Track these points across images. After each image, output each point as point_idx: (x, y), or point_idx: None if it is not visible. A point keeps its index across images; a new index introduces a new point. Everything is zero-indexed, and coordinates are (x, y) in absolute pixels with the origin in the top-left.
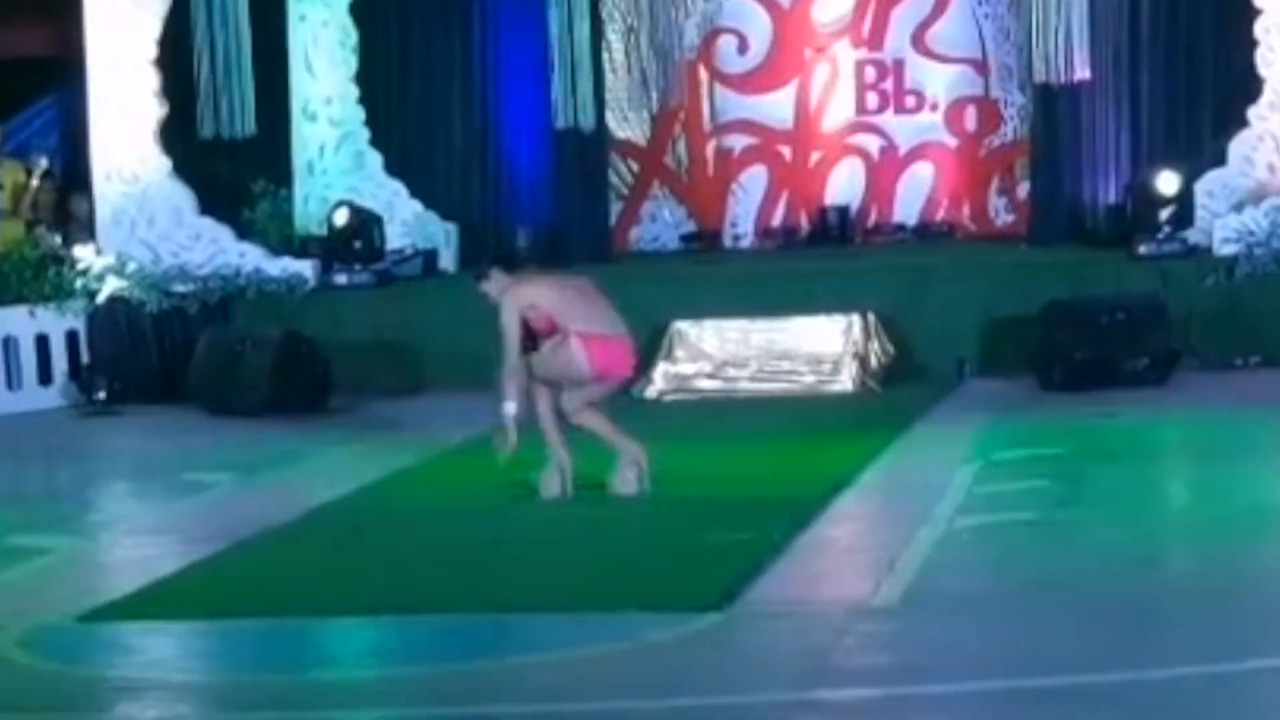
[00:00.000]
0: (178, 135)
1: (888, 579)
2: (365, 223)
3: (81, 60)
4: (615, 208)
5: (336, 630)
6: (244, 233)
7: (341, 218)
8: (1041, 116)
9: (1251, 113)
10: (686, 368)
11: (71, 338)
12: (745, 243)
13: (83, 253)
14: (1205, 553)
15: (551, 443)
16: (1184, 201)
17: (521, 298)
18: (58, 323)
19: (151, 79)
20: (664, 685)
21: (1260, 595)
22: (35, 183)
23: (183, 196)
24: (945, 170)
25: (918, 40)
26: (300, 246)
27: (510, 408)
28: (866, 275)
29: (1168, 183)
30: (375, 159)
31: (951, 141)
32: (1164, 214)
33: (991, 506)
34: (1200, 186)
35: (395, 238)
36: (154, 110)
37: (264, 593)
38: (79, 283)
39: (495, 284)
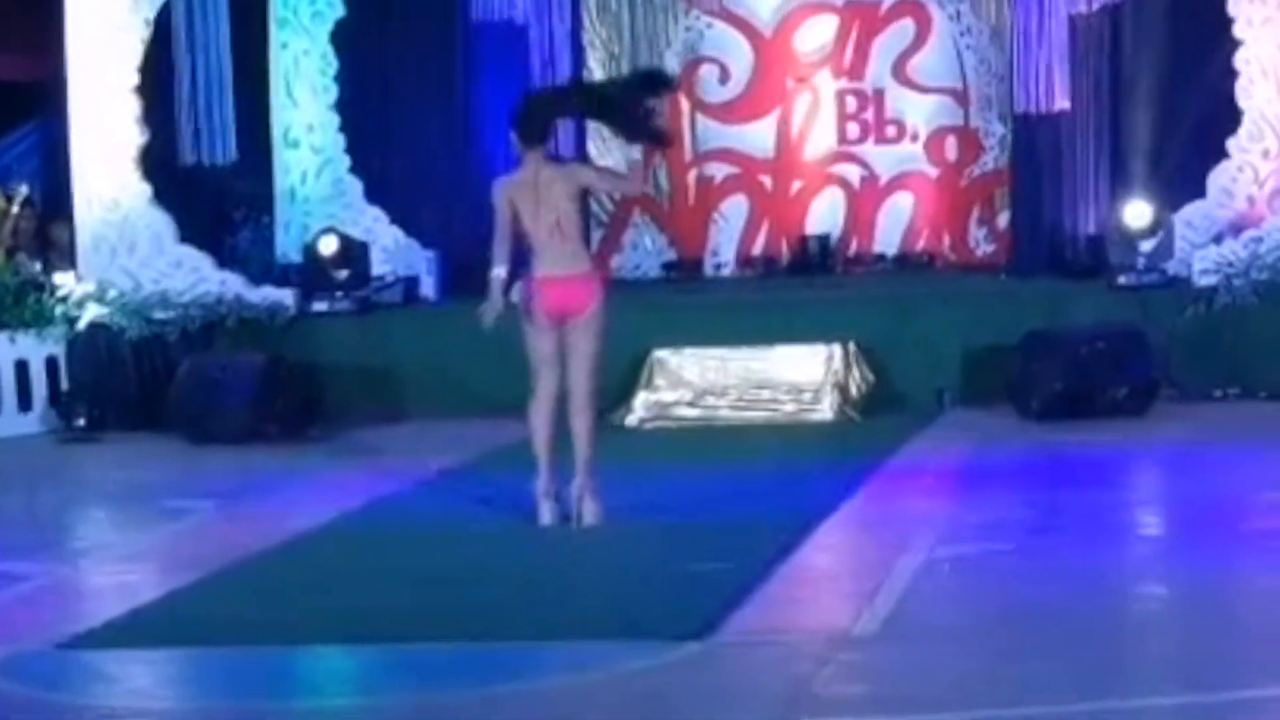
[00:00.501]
0: (159, 162)
1: (868, 608)
2: (352, 251)
3: (62, 86)
4: (596, 235)
5: (317, 658)
6: (225, 260)
7: (329, 246)
8: (1022, 147)
9: (1231, 144)
10: (667, 396)
11: (51, 364)
12: (726, 271)
13: (63, 279)
14: (1183, 583)
15: (540, 463)
16: (1162, 232)
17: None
18: (38, 349)
19: (133, 106)
20: (643, 714)
21: (1238, 626)
22: (15, 210)
23: (163, 223)
24: (925, 200)
25: (899, 70)
26: (281, 274)
27: (498, 271)
28: (847, 304)
29: (1137, 215)
30: (356, 186)
31: (932, 171)
32: (1144, 246)
33: (971, 536)
34: (1179, 217)
35: (376, 265)
36: (135, 137)
37: (244, 621)
38: (59, 309)
39: None
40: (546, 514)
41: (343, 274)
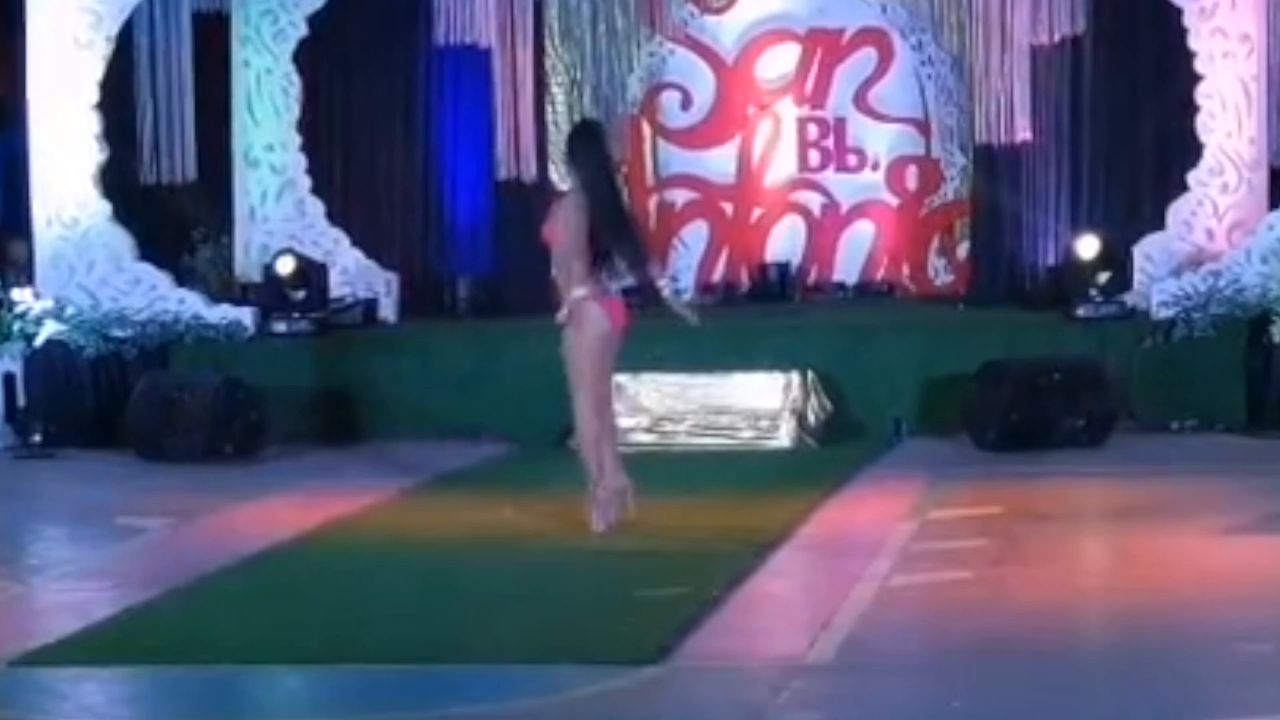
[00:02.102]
0: (118, 180)
1: (823, 636)
2: (312, 272)
3: (23, 102)
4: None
5: (269, 679)
6: (183, 279)
7: (288, 266)
8: (982, 177)
9: (1191, 177)
10: (624, 421)
11: (8, 380)
12: (685, 297)
13: (21, 296)
14: (1138, 613)
15: (589, 468)
16: (1117, 264)
17: None
18: None
19: (93, 123)
20: None
21: (1193, 658)
22: None
23: (122, 241)
24: (886, 229)
25: (860, 99)
26: (240, 294)
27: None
28: (806, 332)
29: (1097, 247)
30: (317, 207)
31: (892, 200)
32: (1102, 278)
33: (927, 565)
34: (1139, 250)
35: (335, 286)
36: (95, 154)
37: (197, 640)
38: (17, 326)
39: None
40: (598, 519)
41: (301, 295)
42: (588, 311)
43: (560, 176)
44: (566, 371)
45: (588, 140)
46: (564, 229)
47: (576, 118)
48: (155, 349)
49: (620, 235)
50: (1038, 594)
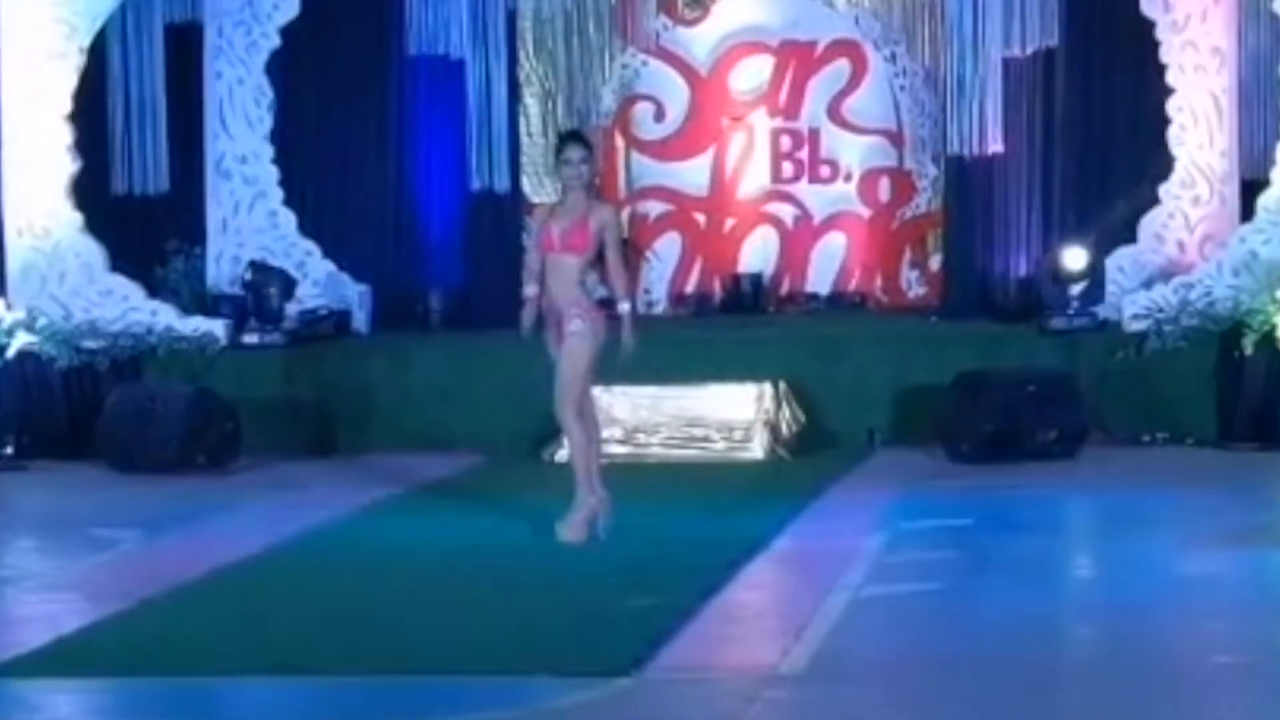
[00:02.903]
0: (90, 191)
1: (795, 646)
2: (285, 283)
3: None
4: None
5: (241, 690)
6: (156, 290)
7: (259, 278)
8: (954, 189)
9: (1163, 190)
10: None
11: None
12: (658, 309)
13: None
14: (1110, 625)
15: (580, 482)
16: (1094, 277)
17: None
18: None
19: (65, 134)
20: None
21: (1167, 670)
22: None
23: (94, 252)
24: (858, 240)
25: (833, 110)
26: (212, 305)
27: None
28: (779, 344)
29: (1075, 258)
30: (289, 219)
31: (865, 212)
32: (1075, 289)
33: (899, 576)
34: (1111, 262)
35: (308, 298)
36: (67, 165)
37: (170, 651)
38: None
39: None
40: (578, 531)
41: (274, 307)
42: (598, 319)
43: (533, 188)
44: (565, 375)
45: (590, 149)
46: (608, 237)
47: (550, 129)
48: (128, 360)
49: (624, 247)
50: (1010, 606)
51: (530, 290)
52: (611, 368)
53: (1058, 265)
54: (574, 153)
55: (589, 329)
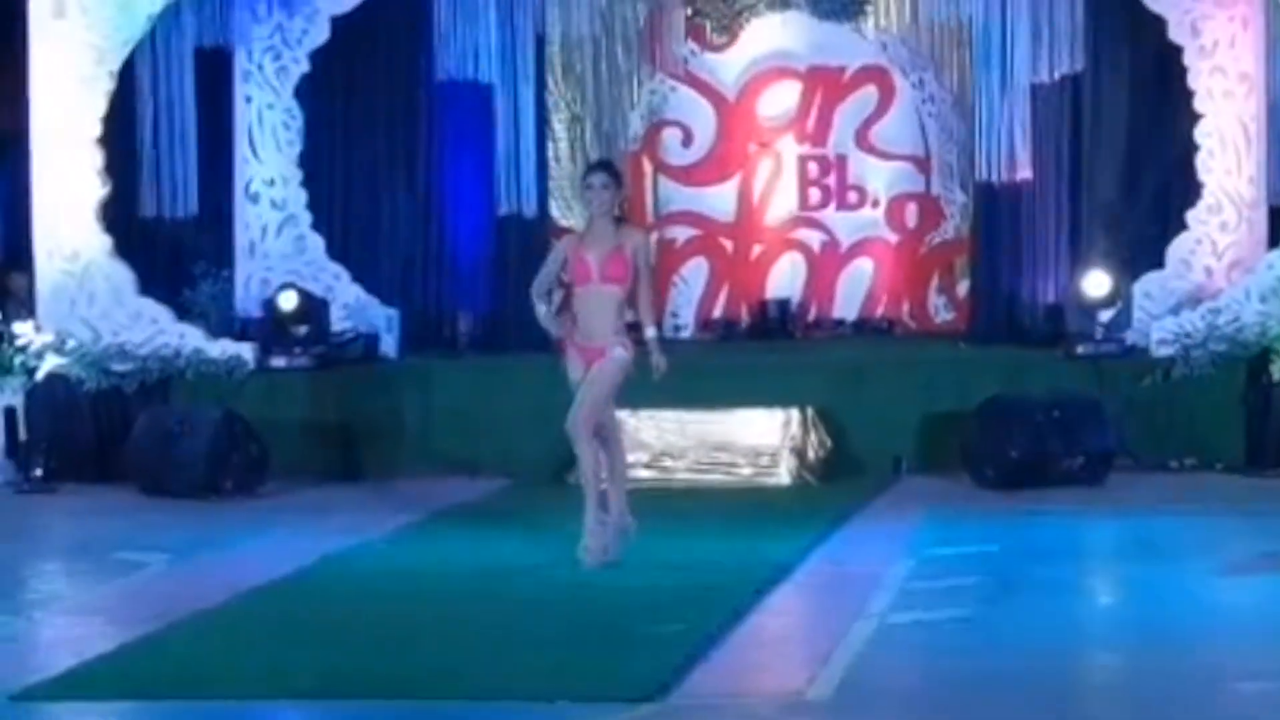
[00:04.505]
0: (120, 214)
1: (822, 672)
2: (312, 307)
3: (25, 137)
4: (556, 295)
5: (267, 714)
6: (184, 313)
7: (289, 301)
8: (982, 215)
9: (1190, 216)
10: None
11: (9, 415)
12: (685, 334)
13: (22, 329)
14: (1136, 652)
15: (590, 502)
16: (1119, 302)
17: None
18: None
19: (95, 157)
20: None
21: (1193, 697)
22: None
23: (123, 276)
24: (885, 266)
25: (861, 137)
26: (240, 328)
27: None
28: (805, 369)
29: (1097, 284)
30: (317, 242)
31: (892, 238)
32: (1103, 315)
33: (926, 602)
34: (1138, 288)
35: (336, 322)
36: (97, 189)
37: (196, 675)
38: (18, 360)
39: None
40: (594, 552)
41: (302, 330)
42: (633, 347)
43: (561, 212)
44: (593, 395)
45: (617, 177)
46: (639, 261)
47: (578, 154)
48: (156, 383)
49: (650, 275)
50: (1036, 632)
51: (543, 308)
52: (640, 392)
53: (1081, 291)
54: (596, 178)
55: (629, 358)
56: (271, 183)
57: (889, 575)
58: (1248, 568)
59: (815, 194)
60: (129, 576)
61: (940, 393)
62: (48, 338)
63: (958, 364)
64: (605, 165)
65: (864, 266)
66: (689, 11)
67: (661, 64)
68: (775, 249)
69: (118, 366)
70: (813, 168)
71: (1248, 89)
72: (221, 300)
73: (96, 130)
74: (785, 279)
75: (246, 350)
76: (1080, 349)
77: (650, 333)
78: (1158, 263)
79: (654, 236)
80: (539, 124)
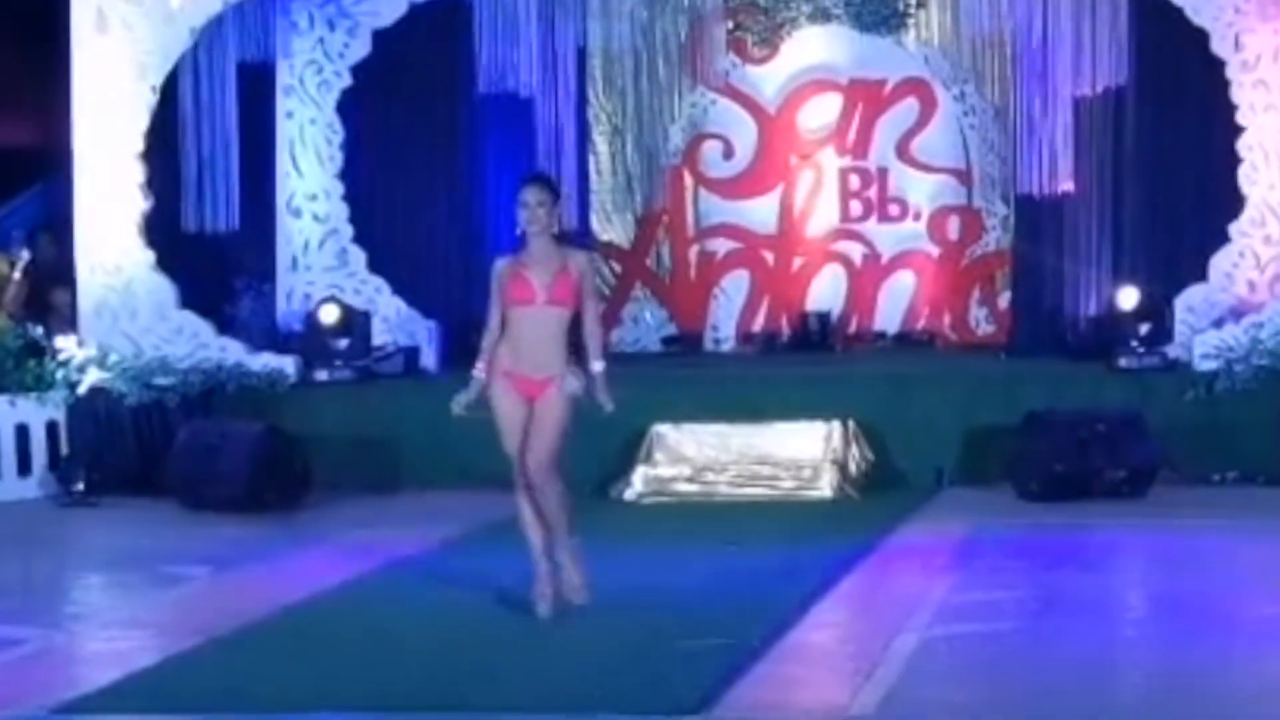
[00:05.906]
0: (162, 228)
1: (865, 687)
2: (354, 320)
3: (68, 151)
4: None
5: None
6: (226, 327)
7: (330, 315)
8: (1024, 227)
9: (1233, 229)
10: (665, 471)
11: (51, 428)
12: (726, 346)
13: (64, 344)
14: (1179, 666)
15: (555, 542)
16: (1159, 315)
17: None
18: (38, 413)
19: (137, 172)
20: None
21: (1238, 711)
22: (17, 276)
23: (165, 289)
24: (927, 279)
25: (902, 149)
26: (282, 342)
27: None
28: (847, 382)
29: (1130, 298)
30: (359, 256)
31: (934, 250)
32: (1144, 329)
33: (969, 616)
34: (1180, 301)
35: (376, 335)
36: (139, 203)
37: (239, 689)
38: (60, 374)
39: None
40: (543, 604)
41: (343, 343)
42: (581, 378)
43: (602, 226)
44: (553, 433)
45: (552, 193)
46: (585, 286)
47: (619, 167)
48: (197, 397)
49: (596, 301)
50: (1080, 646)
51: (481, 367)
52: (682, 406)
53: (1120, 305)
54: (530, 195)
55: (581, 388)
56: (313, 197)
57: (932, 589)
58: None
59: (856, 206)
60: (172, 590)
61: (982, 405)
62: (90, 352)
63: (1000, 377)
64: (540, 179)
65: (905, 279)
66: (730, 24)
67: (702, 77)
68: (816, 261)
69: (159, 380)
70: (854, 180)
71: None
72: (263, 314)
73: (139, 145)
74: (826, 291)
75: (288, 364)
76: (1123, 362)
77: (598, 366)
78: (1200, 276)
79: (694, 249)
80: (580, 137)
